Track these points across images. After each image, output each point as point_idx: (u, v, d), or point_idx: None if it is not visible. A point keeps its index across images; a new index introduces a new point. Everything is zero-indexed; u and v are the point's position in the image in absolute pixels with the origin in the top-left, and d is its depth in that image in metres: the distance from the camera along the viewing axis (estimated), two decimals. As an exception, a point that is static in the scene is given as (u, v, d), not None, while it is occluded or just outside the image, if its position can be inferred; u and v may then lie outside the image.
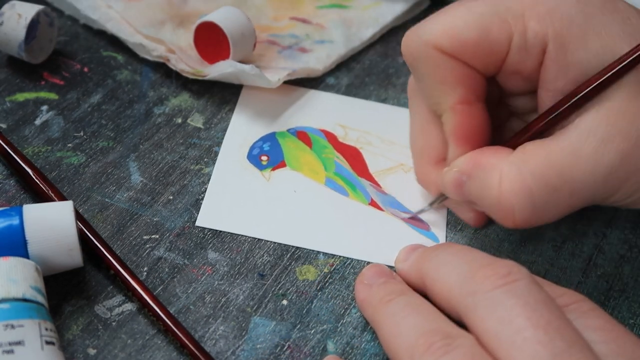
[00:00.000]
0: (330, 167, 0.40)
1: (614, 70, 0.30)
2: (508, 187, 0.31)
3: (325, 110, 0.43)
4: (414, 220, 0.38)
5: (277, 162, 0.40)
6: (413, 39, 0.34)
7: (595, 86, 0.30)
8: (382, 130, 0.42)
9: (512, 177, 0.31)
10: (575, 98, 0.31)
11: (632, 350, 0.27)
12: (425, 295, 0.31)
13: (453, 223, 0.38)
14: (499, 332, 0.26)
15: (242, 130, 0.41)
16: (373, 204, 0.39)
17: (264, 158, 0.40)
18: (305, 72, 0.44)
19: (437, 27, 0.33)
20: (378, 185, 0.40)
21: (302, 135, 0.41)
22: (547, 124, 0.32)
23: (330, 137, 0.41)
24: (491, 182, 0.32)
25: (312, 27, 0.47)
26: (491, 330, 0.26)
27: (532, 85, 0.34)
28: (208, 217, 0.37)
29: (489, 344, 0.26)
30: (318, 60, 0.44)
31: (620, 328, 0.28)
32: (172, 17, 0.45)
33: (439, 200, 0.37)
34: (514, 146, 0.33)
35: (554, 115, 0.32)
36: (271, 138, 0.41)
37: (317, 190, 0.39)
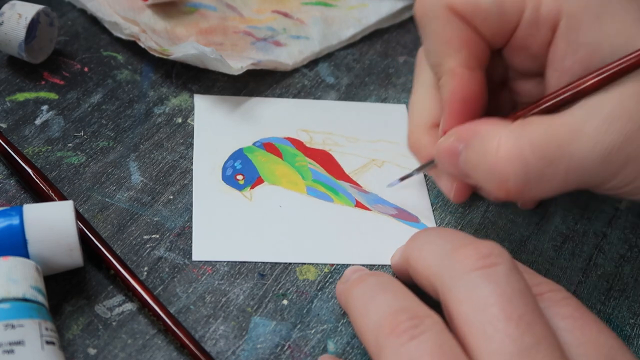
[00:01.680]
0: (307, 175, 0.39)
1: (630, 62, 0.29)
2: (504, 155, 0.30)
3: (283, 117, 0.42)
4: (402, 214, 0.38)
5: (254, 179, 0.39)
6: None
7: (612, 73, 0.30)
8: (343, 128, 0.42)
9: (510, 145, 0.30)
10: (584, 84, 0.30)
11: (596, 338, 0.27)
12: (415, 286, 0.31)
13: (453, 223, 0.38)
14: (471, 318, 0.26)
15: (208, 152, 0.40)
16: (359, 205, 0.38)
17: (240, 177, 0.39)
18: (273, 64, 0.44)
19: None
20: (358, 185, 0.39)
21: (269, 147, 0.41)
22: (555, 104, 0.31)
23: (298, 144, 0.41)
24: (489, 150, 0.31)
25: (291, 21, 0.47)
26: (464, 314, 0.26)
27: (538, 65, 0.33)
28: (203, 251, 0.35)
29: (459, 327, 0.26)
30: (289, 55, 0.45)
31: (589, 316, 0.28)
32: (153, 5, 0.45)
33: (426, 166, 0.36)
34: (515, 119, 0.32)
35: (563, 96, 0.31)
36: (240, 155, 0.40)
37: (301, 201, 0.38)
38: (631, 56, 0.30)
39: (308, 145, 0.41)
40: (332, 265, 0.36)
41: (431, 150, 0.35)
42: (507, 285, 0.26)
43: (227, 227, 0.36)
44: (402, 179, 0.38)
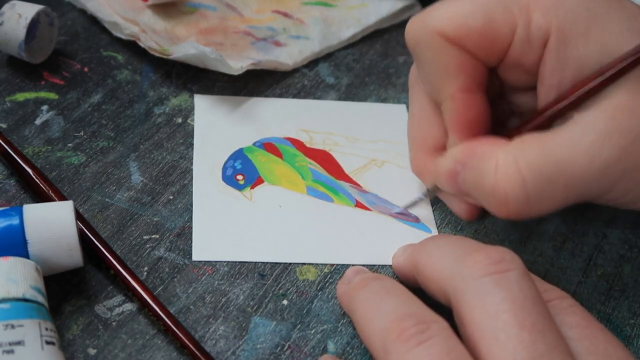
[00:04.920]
0: (307, 175, 0.39)
1: (617, 68, 0.30)
2: (503, 176, 0.30)
3: (283, 117, 0.42)
4: (403, 214, 0.38)
5: (254, 179, 0.39)
6: (417, 25, 0.33)
7: (597, 84, 0.30)
8: (343, 128, 0.42)
9: (507, 165, 0.30)
10: (577, 93, 0.31)
11: (604, 348, 0.27)
12: (417, 290, 0.31)
13: (453, 223, 0.38)
14: (483, 324, 0.26)
15: (208, 152, 0.40)
16: (359, 205, 0.38)
17: (240, 177, 0.38)
18: (272, 64, 0.44)
19: (441, 13, 0.33)
20: (358, 185, 0.39)
21: (269, 147, 0.41)
22: (548, 119, 0.32)
23: (298, 144, 0.41)
24: (487, 170, 0.31)
25: (291, 21, 0.47)
26: (476, 320, 0.26)
27: (533, 80, 0.33)
28: (203, 251, 0.35)
29: (471, 333, 0.26)
30: (289, 55, 0.45)
31: (596, 325, 0.28)
32: (153, 5, 0.45)
33: (433, 191, 0.37)
34: (511, 138, 0.32)
35: (554, 110, 0.32)
36: (240, 155, 0.40)
37: (301, 201, 0.38)
38: (617, 62, 0.30)
39: (308, 145, 0.41)
40: (332, 265, 0.36)
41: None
42: (519, 291, 0.26)
43: (227, 227, 0.36)
44: (408, 207, 0.38)
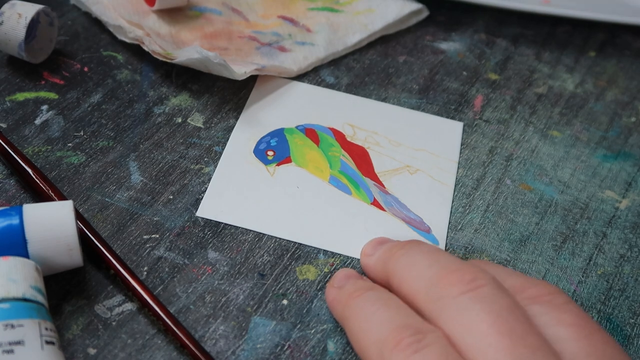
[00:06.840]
0: (336, 165, 0.40)
1: None
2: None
3: (335, 109, 0.43)
4: (415, 221, 0.38)
5: (283, 157, 0.40)
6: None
7: None
8: (390, 131, 0.42)
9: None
10: None
11: (603, 350, 0.27)
12: (389, 290, 0.31)
13: (453, 223, 0.38)
14: (463, 336, 0.26)
15: (251, 124, 0.41)
16: (375, 203, 0.39)
17: (270, 153, 0.40)
18: (277, 70, 0.44)
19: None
20: (382, 185, 0.39)
21: (310, 133, 0.42)
22: None
23: (339, 136, 0.42)
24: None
25: (297, 28, 0.47)
26: (455, 333, 0.27)
27: None
28: (209, 209, 0.37)
29: (454, 346, 0.27)
30: (294, 61, 0.45)
31: (593, 325, 0.28)
32: (159, 9, 0.45)
33: None
34: None
35: None
36: (279, 134, 0.41)
37: (320, 187, 0.39)
38: None
39: (349, 139, 0.42)
40: (332, 265, 0.36)
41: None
42: (494, 302, 0.27)
43: (240, 194, 0.38)
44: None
